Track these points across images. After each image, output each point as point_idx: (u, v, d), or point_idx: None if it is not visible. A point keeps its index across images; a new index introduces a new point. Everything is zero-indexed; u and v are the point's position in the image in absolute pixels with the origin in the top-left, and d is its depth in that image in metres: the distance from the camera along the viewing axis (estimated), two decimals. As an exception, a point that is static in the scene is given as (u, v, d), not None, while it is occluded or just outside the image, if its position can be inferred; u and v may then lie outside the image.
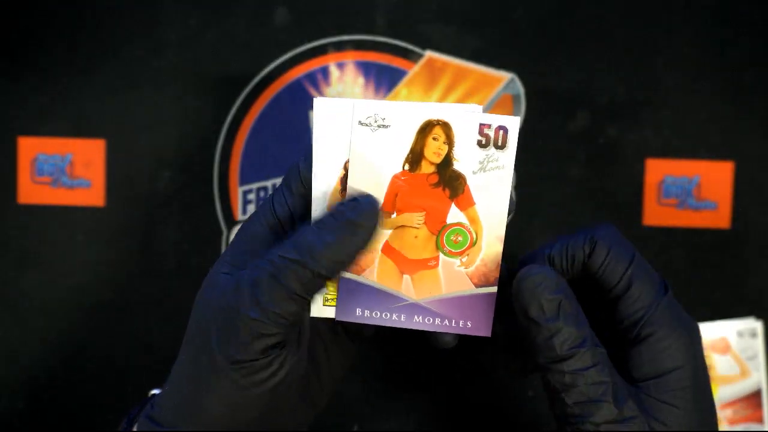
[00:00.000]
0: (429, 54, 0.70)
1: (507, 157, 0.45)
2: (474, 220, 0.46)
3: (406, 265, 0.46)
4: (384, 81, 0.70)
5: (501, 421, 0.72)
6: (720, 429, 0.67)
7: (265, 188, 0.71)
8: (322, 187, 0.45)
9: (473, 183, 0.45)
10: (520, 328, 0.44)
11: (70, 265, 0.70)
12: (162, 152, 0.70)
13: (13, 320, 0.71)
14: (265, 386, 0.43)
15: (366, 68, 0.70)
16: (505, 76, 0.70)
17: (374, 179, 0.45)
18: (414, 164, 0.45)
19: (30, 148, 0.70)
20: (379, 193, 0.45)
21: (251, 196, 0.71)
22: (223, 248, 0.71)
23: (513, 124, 0.44)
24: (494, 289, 0.46)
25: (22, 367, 0.71)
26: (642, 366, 0.44)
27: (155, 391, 0.51)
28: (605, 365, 0.43)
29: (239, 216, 0.71)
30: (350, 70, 0.70)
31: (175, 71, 0.70)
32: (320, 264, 0.42)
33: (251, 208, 0.71)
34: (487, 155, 0.45)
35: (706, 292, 0.71)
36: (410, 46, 0.70)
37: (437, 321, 0.47)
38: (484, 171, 0.45)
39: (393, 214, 0.46)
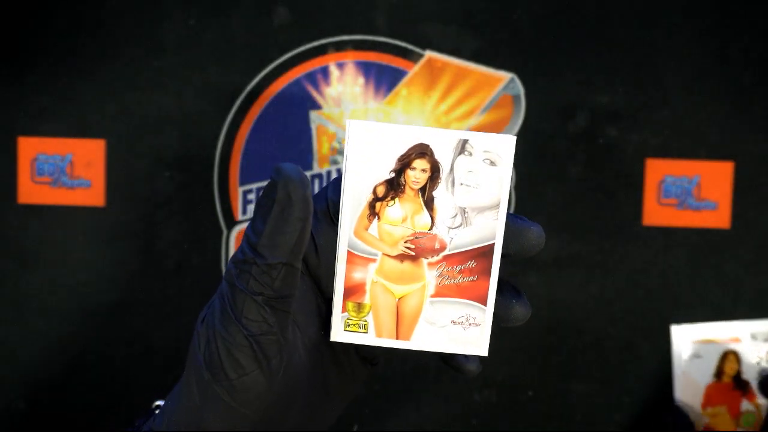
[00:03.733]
0: (429, 54, 0.70)
1: None
2: None
3: None
4: (384, 81, 0.70)
5: (501, 421, 0.72)
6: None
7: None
8: (350, 211, 0.44)
9: None
10: None
11: (70, 265, 0.70)
12: (162, 152, 0.70)
13: (13, 320, 0.71)
14: (252, 406, 0.43)
15: (366, 68, 0.70)
16: (505, 76, 0.70)
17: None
18: None
19: (30, 148, 0.70)
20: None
21: (251, 196, 0.71)
22: (223, 248, 0.71)
23: None
24: None
25: (22, 367, 0.71)
26: None
27: (159, 403, 0.51)
28: None
29: (239, 216, 0.71)
30: (350, 70, 0.70)
31: (175, 71, 0.70)
32: (263, 255, 0.42)
33: (251, 209, 0.71)
34: None
35: (706, 292, 0.71)
36: (410, 46, 0.70)
37: None
38: None
39: None
